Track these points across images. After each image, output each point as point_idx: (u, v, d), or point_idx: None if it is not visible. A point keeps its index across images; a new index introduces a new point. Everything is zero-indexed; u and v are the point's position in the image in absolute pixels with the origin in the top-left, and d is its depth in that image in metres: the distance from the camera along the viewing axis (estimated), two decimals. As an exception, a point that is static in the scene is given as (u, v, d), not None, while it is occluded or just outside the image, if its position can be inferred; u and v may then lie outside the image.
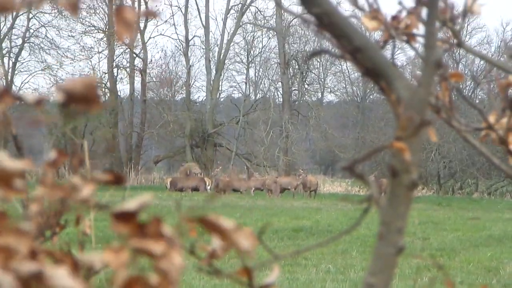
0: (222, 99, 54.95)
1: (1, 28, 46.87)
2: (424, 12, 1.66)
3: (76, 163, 1.40)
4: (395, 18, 1.80)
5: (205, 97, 50.60)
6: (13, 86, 46.06)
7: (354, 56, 1.49)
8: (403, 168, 1.39)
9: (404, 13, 1.81)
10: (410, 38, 1.81)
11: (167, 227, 1.11)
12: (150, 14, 1.21)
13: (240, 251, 1.17)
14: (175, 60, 51.57)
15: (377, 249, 1.39)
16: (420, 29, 1.80)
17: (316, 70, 55.06)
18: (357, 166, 1.39)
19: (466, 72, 45.96)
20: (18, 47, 47.74)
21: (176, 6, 50.17)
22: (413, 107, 1.40)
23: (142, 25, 48.71)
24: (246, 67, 51.92)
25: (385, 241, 1.38)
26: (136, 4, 46.01)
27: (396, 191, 1.39)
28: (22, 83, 48.44)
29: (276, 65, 50.79)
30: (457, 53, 46.09)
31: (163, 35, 58.10)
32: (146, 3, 45.79)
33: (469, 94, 47.24)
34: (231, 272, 1.32)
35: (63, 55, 47.85)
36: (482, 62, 49.19)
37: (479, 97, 47.29)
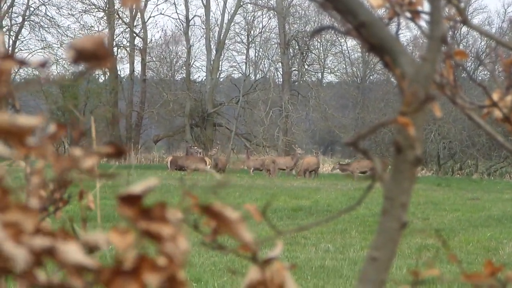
0: (222, 79, 54.90)
1: (2, 5, 46.66)
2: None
3: (76, 135, 1.39)
4: (400, -6, 1.79)
5: (205, 77, 50.55)
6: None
7: (359, 32, 1.49)
8: (407, 144, 1.38)
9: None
10: (414, 15, 1.80)
11: (171, 212, 1.11)
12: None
13: (241, 242, 1.17)
14: (175, 39, 51.40)
15: (381, 224, 1.39)
16: (425, 7, 1.79)
17: (316, 50, 54.90)
18: (360, 141, 1.39)
19: (467, 53, 45.84)
20: (18, 25, 47.58)
21: (177, -15, 49.85)
22: (418, 83, 1.40)
23: (142, 4, 48.52)
24: (246, 47, 51.82)
25: (389, 216, 1.38)
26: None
27: (401, 166, 1.39)
28: (22, 62, 48.15)
29: (276, 45, 50.68)
30: (458, 34, 45.98)
31: (163, 14, 58.10)
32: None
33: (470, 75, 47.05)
34: (235, 247, 1.32)
35: (63, 33, 47.72)
36: (483, 43, 49.13)
37: (479, 78, 47.21)
